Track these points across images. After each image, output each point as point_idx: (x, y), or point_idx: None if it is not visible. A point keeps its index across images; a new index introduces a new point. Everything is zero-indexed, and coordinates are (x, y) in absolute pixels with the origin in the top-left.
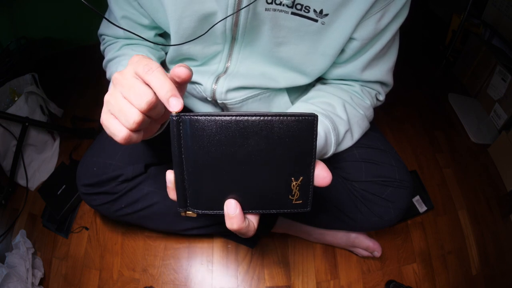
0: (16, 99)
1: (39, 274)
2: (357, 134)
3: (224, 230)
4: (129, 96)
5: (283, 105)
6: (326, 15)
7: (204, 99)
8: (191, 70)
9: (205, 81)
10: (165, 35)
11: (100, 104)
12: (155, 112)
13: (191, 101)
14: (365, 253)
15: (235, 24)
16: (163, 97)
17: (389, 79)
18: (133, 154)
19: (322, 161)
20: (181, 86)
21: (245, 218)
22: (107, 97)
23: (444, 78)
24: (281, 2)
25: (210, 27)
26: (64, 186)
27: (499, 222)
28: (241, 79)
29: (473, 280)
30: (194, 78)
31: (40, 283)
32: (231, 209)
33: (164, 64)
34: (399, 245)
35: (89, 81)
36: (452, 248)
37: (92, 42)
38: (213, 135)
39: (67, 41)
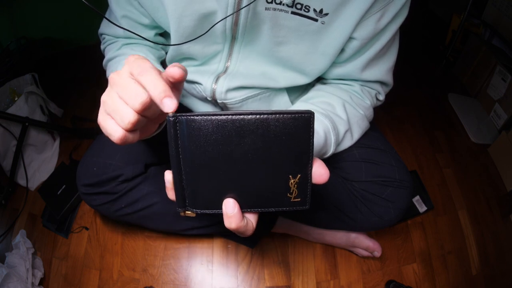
0: (16, 99)
1: (39, 274)
2: (357, 134)
3: (224, 230)
4: (124, 96)
5: (283, 105)
6: (326, 14)
7: (204, 99)
8: (185, 70)
9: (205, 80)
10: (165, 34)
11: (100, 104)
12: (150, 112)
13: (191, 100)
14: (365, 253)
15: (235, 24)
16: (156, 98)
17: (389, 78)
18: (133, 154)
19: (322, 160)
20: (176, 85)
21: (243, 217)
22: (104, 97)
23: (444, 78)
24: (281, 2)
25: (210, 26)
26: (64, 186)
27: (499, 222)
28: (241, 79)
29: (473, 280)
30: (194, 78)
31: (40, 283)
32: (229, 208)
33: (164, 64)
34: (399, 245)
35: (89, 81)
36: (452, 248)
37: (92, 42)
38: (210, 135)
39: (67, 41)
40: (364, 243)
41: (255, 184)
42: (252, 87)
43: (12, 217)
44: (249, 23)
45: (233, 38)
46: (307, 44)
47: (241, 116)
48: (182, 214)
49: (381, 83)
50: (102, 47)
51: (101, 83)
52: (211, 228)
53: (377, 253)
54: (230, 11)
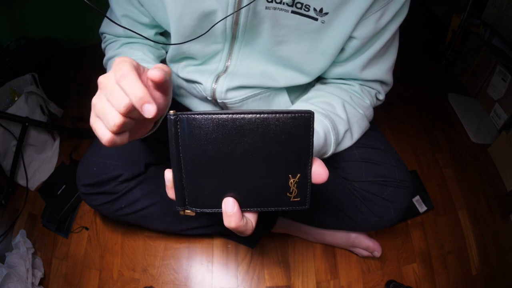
0: (16, 99)
1: (39, 274)
2: (356, 133)
3: (224, 230)
4: (110, 99)
5: (283, 104)
6: (326, 13)
7: (204, 99)
8: (166, 72)
9: (205, 80)
10: (165, 34)
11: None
12: (136, 114)
13: (191, 100)
14: (365, 253)
15: (236, 23)
16: (136, 104)
17: (388, 78)
18: (133, 154)
19: (321, 160)
20: (161, 87)
21: (243, 216)
22: (93, 101)
23: (444, 78)
24: (281, 1)
25: (210, 25)
26: (64, 186)
27: (499, 222)
28: (241, 78)
29: (473, 280)
30: (194, 77)
31: (40, 283)
32: (229, 207)
33: (164, 63)
34: (399, 245)
35: (89, 81)
36: (452, 248)
37: (92, 42)
38: (210, 133)
39: (67, 41)
40: (364, 243)
41: (255, 183)
42: (252, 86)
43: (12, 217)
44: (250, 22)
45: (233, 37)
46: (307, 43)
47: (242, 115)
48: (181, 213)
49: (381, 82)
50: (103, 46)
51: None
52: (211, 228)
53: (377, 253)
54: (230, 11)
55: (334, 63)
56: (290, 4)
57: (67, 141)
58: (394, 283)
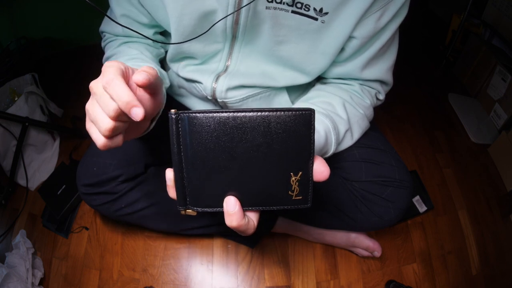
0: (16, 99)
1: (39, 274)
2: (357, 133)
3: (224, 230)
4: (101, 104)
5: (283, 104)
6: (326, 13)
7: (204, 98)
8: (150, 74)
9: (205, 79)
10: (165, 33)
11: None
12: (126, 117)
13: (191, 100)
14: (365, 253)
15: (236, 23)
16: (123, 109)
17: (388, 78)
18: (133, 154)
19: None
20: (149, 87)
21: (244, 215)
22: (87, 106)
23: (444, 78)
24: (281, 1)
25: (210, 25)
26: (64, 186)
27: (499, 222)
28: (241, 78)
29: (473, 280)
30: (194, 77)
31: (40, 283)
32: (231, 206)
33: (165, 62)
34: (399, 245)
35: (89, 81)
36: (452, 248)
37: (92, 42)
38: (211, 132)
39: (67, 41)
40: (364, 243)
41: (256, 181)
42: (252, 86)
43: (12, 217)
44: (250, 22)
45: (234, 37)
46: (307, 43)
47: (243, 113)
48: (182, 212)
49: (381, 82)
50: (102, 44)
51: None
52: (211, 228)
53: (377, 253)
54: (230, 10)
55: (334, 63)
56: (290, 4)
57: (67, 141)
58: (394, 283)
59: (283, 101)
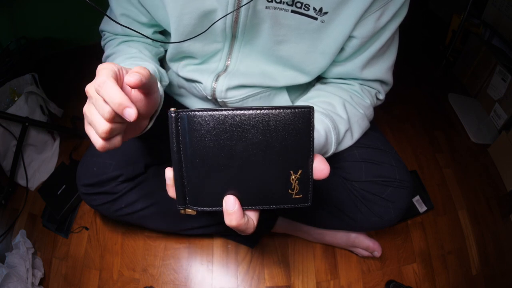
0: (16, 99)
1: (39, 274)
2: (357, 133)
3: (224, 230)
4: (96, 107)
5: (283, 104)
6: (326, 13)
7: (204, 98)
8: (141, 75)
9: (205, 79)
10: (165, 33)
11: None
12: (121, 119)
13: (191, 100)
14: (365, 253)
15: (235, 22)
16: (116, 110)
17: (388, 77)
18: (133, 154)
19: None
20: (142, 88)
21: (244, 214)
22: (84, 109)
23: (444, 78)
24: (281, 0)
25: (210, 24)
26: (64, 186)
27: (499, 222)
28: (241, 78)
29: (473, 280)
30: (194, 77)
31: (40, 283)
32: (230, 205)
33: (164, 62)
34: (399, 245)
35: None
36: (452, 248)
37: (92, 42)
38: (211, 130)
39: (67, 41)
40: (364, 243)
41: (256, 180)
42: (252, 86)
43: (12, 217)
44: (249, 21)
45: (233, 36)
46: (307, 43)
47: (242, 112)
48: (182, 212)
49: (381, 82)
50: (102, 43)
51: None
52: (211, 228)
53: (377, 253)
54: (230, 9)
55: (334, 62)
56: (290, 3)
57: (67, 141)
58: (394, 283)
59: (283, 101)
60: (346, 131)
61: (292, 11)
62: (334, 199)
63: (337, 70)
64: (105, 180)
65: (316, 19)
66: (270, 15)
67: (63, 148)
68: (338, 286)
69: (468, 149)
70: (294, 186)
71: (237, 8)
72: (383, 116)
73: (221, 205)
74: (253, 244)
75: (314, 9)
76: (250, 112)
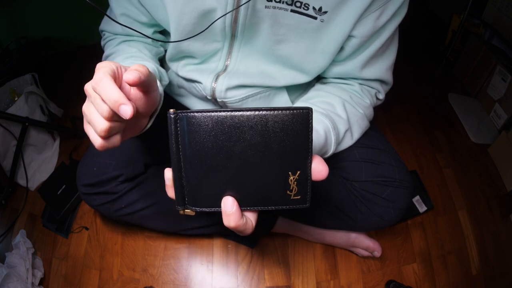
0: (16, 99)
1: (39, 274)
2: (357, 133)
3: (224, 230)
4: (95, 106)
5: (283, 104)
6: (325, 12)
7: (204, 98)
8: (140, 72)
9: (205, 79)
10: (165, 33)
11: None
12: (120, 117)
13: (191, 100)
14: (365, 253)
15: (235, 21)
16: (112, 108)
17: (388, 77)
18: (133, 154)
19: None
20: (140, 85)
21: (242, 215)
22: (83, 108)
23: (444, 78)
24: (281, 0)
25: (209, 24)
26: (64, 186)
27: (499, 222)
28: (241, 77)
29: (473, 280)
30: (193, 77)
31: (40, 283)
32: (228, 206)
33: (164, 62)
34: (399, 245)
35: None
36: (452, 248)
37: (92, 42)
38: (210, 131)
39: (67, 41)
40: (364, 243)
41: (254, 181)
42: (252, 85)
43: (12, 217)
44: (249, 21)
45: (233, 36)
46: (306, 42)
47: (240, 113)
48: (181, 212)
49: (381, 81)
50: (102, 43)
51: None
52: (211, 228)
53: (377, 253)
54: (229, 9)
55: (334, 62)
56: (290, 3)
57: (67, 141)
58: (394, 283)
59: (283, 101)
60: (346, 131)
61: (292, 11)
62: (334, 199)
63: (337, 69)
64: (105, 180)
65: (315, 18)
66: (269, 14)
67: (63, 148)
68: (338, 286)
69: (468, 149)
70: (293, 187)
71: (237, 7)
72: (383, 116)
73: (219, 206)
74: (253, 244)
75: (314, 8)
76: (248, 113)
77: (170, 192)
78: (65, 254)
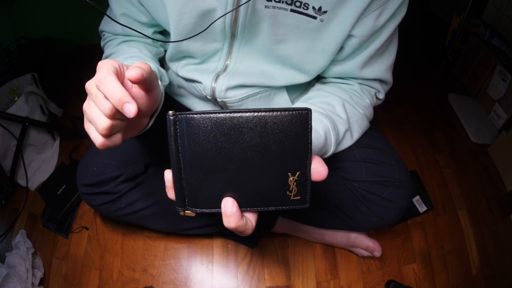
0: (16, 99)
1: (39, 274)
2: (356, 133)
3: (224, 230)
4: (96, 103)
5: (283, 104)
6: (325, 12)
7: (203, 98)
8: (143, 70)
9: (205, 79)
10: (165, 33)
11: None
12: (122, 115)
13: (191, 100)
14: (365, 253)
15: (235, 21)
16: (116, 106)
17: (388, 77)
18: (133, 154)
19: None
20: (142, 83)
21: (242, 216)
22: (84, 106)
23: (444, 78)
24: (280, 0)
25: (209, 24)
26: (64, 186)
27: (499, 222)
28: (241, 77)
29: (473, 280)
30: (193, 77)
31: (40, 283)
32: (228, 207)
33: (164, 62)
34: (399, 245)
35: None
36: (452, 248)
37: (92, 42)
38: (209, 132)
39: (67, 41)
40: (364, 243)
41: (254, 182)
42: (252, 85)
43: (12, 217)
44: (249, 20)
45: (233, 36)
46: (306, 42)
47: (239, 114)
48: (181, 213)
49: (381, 81)
50: (102, 43)
51: None
52: (211, 228)
53: (377, 253)
54: (229, 9)
55: (334, 62)
56: (289, 2)
57: (67, 141)
58: (394, 283)
59: (283, 101)
60: (346, 131)
61: (292, 10)
62: (334, 199)
63: (337, 69)
64: (105, 180)
65: (315, 18)
66: (269, 14)
67: (63, 148)
68: (338, 286)
69: (468, 149)
70: (292, 188)
71: (236, 7)
72: (383, 116)
73: (219, 207)
74: (253, 244)
75: (313, 8)
76: (247, 114)
77: (170, 193)
78: (65, 254)
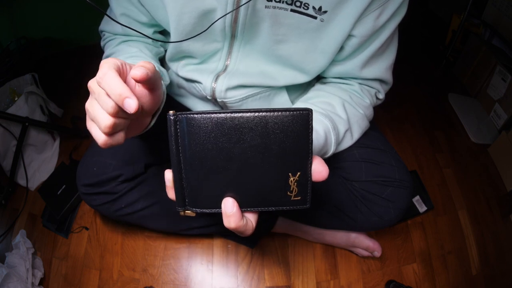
0: (16, 99)
1: (39, 274)
2: (356, 133)
3: (224, 230)
4: (99, 101)
5: (283, 104)
6: (325, 12)
7: (204, 98)
8: (147, 69)
9: (205, 79)
10: (165, 33)
11: None
12: (125, 113)
13: (191, 100)
14: (365, 253)
15: (235, 21)
16: (117, 102)
17: (388, 76)
18: (133, 154)
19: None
20: (147, 82)
21: (243, 216)
22: (86, 105)
23: (444, 78)
24: (280, 0)
25: (209, 24)
26: (64, 186)
27: (499, 222)
28: (241, 78)
29: (473, 280)
30: (193, 77)
31: (40, 283)
32: (228, 207)
33: (164, 62)
34: (399, 245)
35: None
36: (452, 248)
37: (92, 42)
38: (209, 133)
39: (67, 41)
40: (364, 243)
41: (254, 182)
42: (252, 85)
43: (12, 217)
44: (249, 20)
45: (233, 36)
46: (306, 42)
47: (240, 114)
48: (182, 213)
49: (381, 81)
50: (102, 43)
51: None
52: (211, 228)
53: (377, 253)
54: (229, 9)
55: (334, 61)
56: (290, 2)
57: (67, 141)
58: (394, 283)
59: (283, 101)
60: (346, 131)
61: (292, 10)
62: (334, 199)
63: (337, 69)
64: (105, 180)
65: (315, 18)
66: (269, 14)
67: (63, 148)
68: (338, 286)
69: (468, 149)
70: (293, 188)
71: (237, 8)
72: (383, 116)
73: (220, 207)
74: (253, 244)
75: (314, 8)
76: (248, 114)
77: (171, 193)
78: (65, 254)
